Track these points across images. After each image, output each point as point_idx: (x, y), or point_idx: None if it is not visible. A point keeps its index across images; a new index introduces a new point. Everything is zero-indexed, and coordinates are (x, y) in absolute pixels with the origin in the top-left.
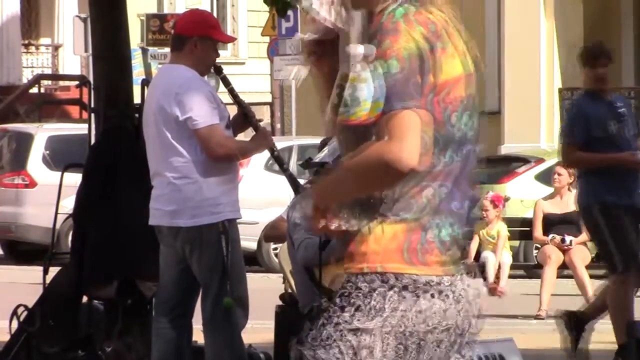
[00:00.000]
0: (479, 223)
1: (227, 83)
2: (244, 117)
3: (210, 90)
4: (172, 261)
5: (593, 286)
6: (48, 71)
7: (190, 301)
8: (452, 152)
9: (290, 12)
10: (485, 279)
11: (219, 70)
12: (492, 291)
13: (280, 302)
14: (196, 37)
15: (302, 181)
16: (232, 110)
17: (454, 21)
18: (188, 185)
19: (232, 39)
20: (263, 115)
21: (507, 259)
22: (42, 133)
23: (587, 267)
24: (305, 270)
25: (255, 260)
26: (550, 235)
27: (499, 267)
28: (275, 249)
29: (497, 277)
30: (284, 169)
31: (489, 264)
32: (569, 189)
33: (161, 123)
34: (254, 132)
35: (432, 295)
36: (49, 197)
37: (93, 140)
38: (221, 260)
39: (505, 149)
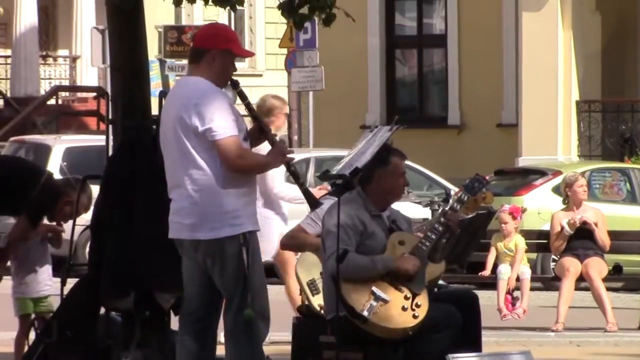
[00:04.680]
0: (497, 235)
1: (243, 97)
2: (260, 131)
3: (229, 101)
4: (194, 274)
5: (610, 299)
6: (66, 83)
7: (215, 313)
8: None
9: (307, 25)
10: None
11: (235, 85)
12: (503, 314)
13: (297, 314)
14: (215, 50)
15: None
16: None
17: None
18: (208, 198)
19: (251, 54)
20: None
21: (527, 274)
22: (59, 144)
23: (604, 280)
24: (332, 280)
25: (272, 272)
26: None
27: (516, 279)
28: None
29: (509, 292)
30: (299, 184)
31: (500, 284)
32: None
33: (181, 134)
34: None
35: None
36: None
37: (111, 152)
38: (242, 272)
39: (523, 162)
